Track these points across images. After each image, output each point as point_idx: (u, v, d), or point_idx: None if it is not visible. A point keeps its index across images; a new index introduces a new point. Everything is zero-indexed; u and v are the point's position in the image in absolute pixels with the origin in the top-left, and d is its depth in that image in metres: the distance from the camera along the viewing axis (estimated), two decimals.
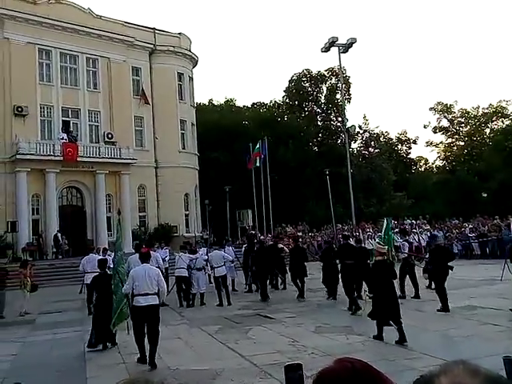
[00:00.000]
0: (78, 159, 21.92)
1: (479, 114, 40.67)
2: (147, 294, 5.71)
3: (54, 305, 10.80)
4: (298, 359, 5.47)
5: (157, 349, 5.66)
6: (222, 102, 40.23)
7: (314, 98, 38.15)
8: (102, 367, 5.75)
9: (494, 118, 40.04)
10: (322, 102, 38.06)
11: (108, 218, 23.30)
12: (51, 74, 23.22)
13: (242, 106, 40.19)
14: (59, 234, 20.80)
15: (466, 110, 40.99)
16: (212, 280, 11.01)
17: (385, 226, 9.41)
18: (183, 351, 6.38)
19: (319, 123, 38.26)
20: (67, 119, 23.60)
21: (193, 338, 7.22)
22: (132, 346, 6.83)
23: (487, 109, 40.29)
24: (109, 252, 13.01)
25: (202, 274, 10.53)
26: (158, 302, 5.83)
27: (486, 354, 5.27)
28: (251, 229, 25.59)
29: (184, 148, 27.10)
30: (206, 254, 11.09)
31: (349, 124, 24.84)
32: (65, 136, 22.40)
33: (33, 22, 22.30)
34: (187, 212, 26.60)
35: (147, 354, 5.68)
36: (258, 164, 22.44)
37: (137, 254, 10.06)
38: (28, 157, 20.76)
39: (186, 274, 10.49)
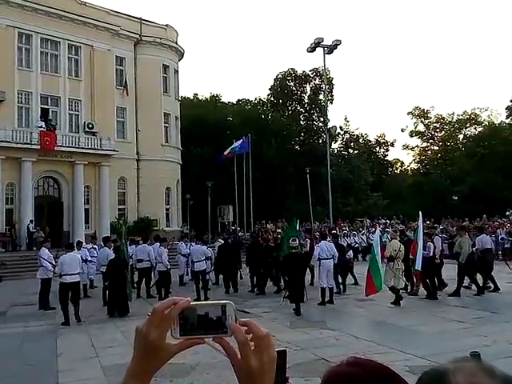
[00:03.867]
0: (56, 148, 21.31)
1: (454, 120, 42.08)
2: (72, 274, 8.02)
3: (27, 297, 10.54)
4: None
5: (79, 309, 8.11)
6: (207, 97, 39.99)
7: (298, 98, 38.44)
8: (74, 361, 5.69)
9: (467, 125, 41.51)
10: (306, 101, 38.39)
11: (86, 210, 22.82)
12: (31, 59, 22.43)
13: (226, 101, 40.06)
14: (31, 225, 20.12)
15: (441, 115, 42.32)
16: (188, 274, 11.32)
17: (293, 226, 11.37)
18: None
19: (302, 122, 38.60)
20: (46, 107, 22.87)
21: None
22: (105, 338, 6.83)
23: (461, 115, 41.73)
24: (84, 244, 12.87)
25: (209, 263, 11.44)
26: (79, 279, 8.36)
27: (452, 350, 5.58)
28: (232, 225, 25.65)
29: (167, 141, 26.78)
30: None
31: (330, 125, 25.25)
32: (43, 124, 21.70)
33: (13, 5, 21.43)
34: (168, 206, 26.36)
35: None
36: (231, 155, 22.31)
37: (105, 249, 10.28)
38: (3, 144, 20.01)
39: (166, 269, 10.51)
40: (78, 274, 8.14)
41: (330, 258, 9.06)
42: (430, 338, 6.33)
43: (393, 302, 8.63)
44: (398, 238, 9.91)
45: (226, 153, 23.38)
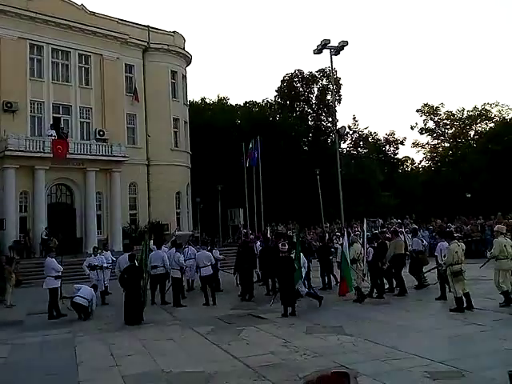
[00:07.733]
0: (68, 156, 21.63)
1: (464, 116, 41.48)
2: (81, 297, 9.36)
3: (42, 305, 10.62)
4: (291, 360, 5.59)
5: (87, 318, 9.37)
6: (215, 101, 40.17)
7: (306, 99, 38.37)
8: (94, 370, 5.68)
9: (478, 121, 40.88)
10: (313, 102, 38.31)
11: (98, 216, 23.09)
12: (42, 69, 22.86)
13: (234, 104, 40.18)
14: (44, 232, 20.31)
15: (451, 112, 41.79)
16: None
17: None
18: (176, 353, 6.38)
19: (310, 123, 38.50)
20: (58, 115, 23.26)
21: (185, 339, 7.22)
22: (123, 347, 6.86)
23: (472, 111, 41.10)
24: (99, 251, 12.94)
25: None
26: (86, 305, 9.40)
27: (472, 354, 5.49)
28: (243, 227, 25.63)
29: (176, 146, 27.00)
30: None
31: (339, 124, 25.07)
32: (53, 132, 22.06)
33: (25, 17, 21.94)
34: (179, 210, 26.53)
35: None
36: (250, 163, 22.60)
37: (125, 255, 10.28)
38: (17, 153, 20.41)
39: (179, 275, 10.54)
40: (86, 299, 9.34)
41: None
42: (449, 341, 6.22)
43: (355, 300, 9.53)
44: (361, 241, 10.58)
45: (250, 157, 23.40)
